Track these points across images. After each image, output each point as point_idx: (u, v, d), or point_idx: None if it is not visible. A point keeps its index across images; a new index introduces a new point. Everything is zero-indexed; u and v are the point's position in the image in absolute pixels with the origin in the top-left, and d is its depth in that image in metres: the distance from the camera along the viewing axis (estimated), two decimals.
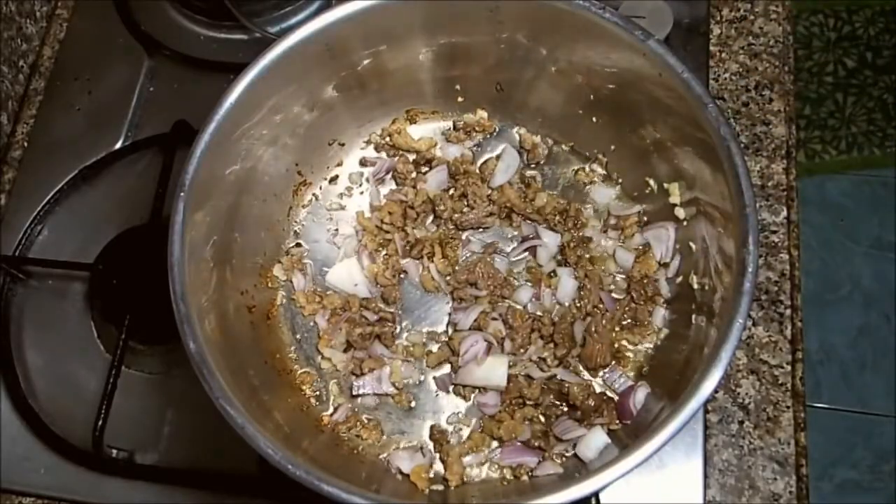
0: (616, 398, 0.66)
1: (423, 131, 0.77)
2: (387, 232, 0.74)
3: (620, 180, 0.74)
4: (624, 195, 0.74)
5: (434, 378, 0.70)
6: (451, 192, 0.75)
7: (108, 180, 0.82)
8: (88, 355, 0.76)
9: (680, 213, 0.68)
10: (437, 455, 0.67)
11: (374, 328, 0.70)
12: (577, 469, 0.63)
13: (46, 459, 0.71)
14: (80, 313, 0.77)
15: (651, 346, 0.68)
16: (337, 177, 0.77)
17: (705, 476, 0.67)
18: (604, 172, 0.74)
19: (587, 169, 0.75)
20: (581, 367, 0.68)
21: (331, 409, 0.69)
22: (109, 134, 0.84)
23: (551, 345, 0.69)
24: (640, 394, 0.64)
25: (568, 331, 0.68)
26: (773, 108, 0.79)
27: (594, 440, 0.63)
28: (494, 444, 0.67)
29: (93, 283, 0.77)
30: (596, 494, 0.64)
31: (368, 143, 0.77)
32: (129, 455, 0.72)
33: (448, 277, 0.72)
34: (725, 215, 0.59)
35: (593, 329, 0.68)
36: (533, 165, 0.76)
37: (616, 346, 0.69)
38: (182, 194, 0.59)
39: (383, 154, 0.77)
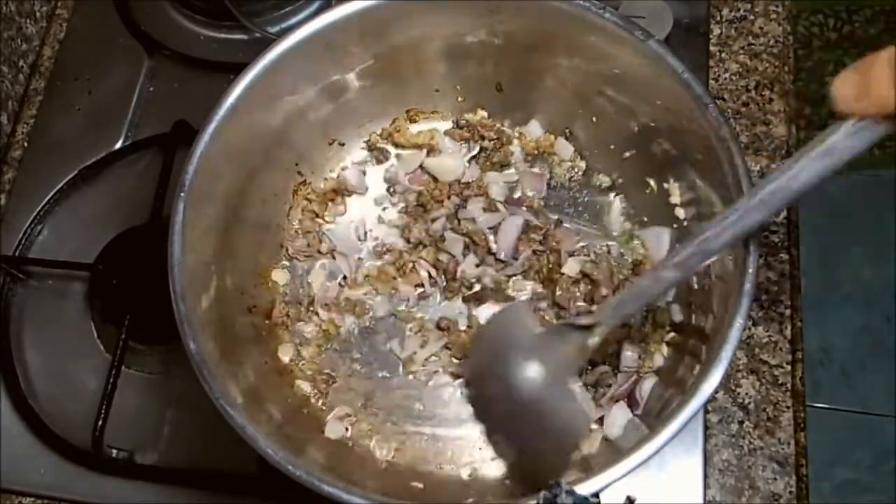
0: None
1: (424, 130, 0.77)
2: None
3: (619, 180, 0.74)
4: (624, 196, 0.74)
5: None
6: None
7: (108, 180, 0.82)
8: (88, 355, 0.75)
9: (680, 213, 0.68)
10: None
11: None
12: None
13: (46, 459, 0.71)
14: (80, 313, 0.77)
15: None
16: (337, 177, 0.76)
17: (705, 476, 0.67)
18: (606, 175, 0.74)
19: (587, 168, 0.75)
20: None
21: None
22: (109, 134, 0.84)
23: None
24: (647, 384, 0.64)
25: None
26: (773, 108, 0.79)
27: (618, 418, 0.63)
28: None
29: (93, 283, 0.77)
30: (596, 494, 0.64)
31: (368, 143, 0.77)
32: (129, 455, 0.72)
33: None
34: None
35: None
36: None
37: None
38: (182, 194, 0.59)
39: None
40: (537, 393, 0.56)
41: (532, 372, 0.56)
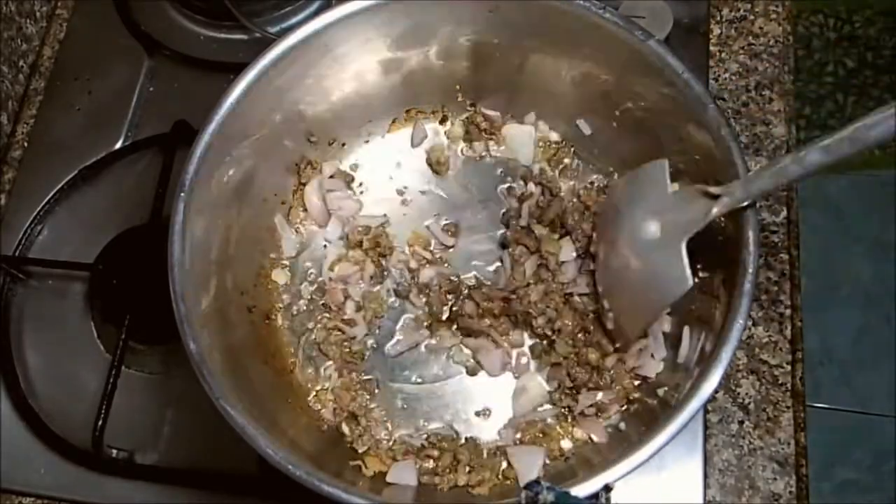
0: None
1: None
2: None
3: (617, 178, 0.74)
4: None
5: None
6: None
7: (108, 180, 0.82)
8: (88, 355, 0.75)
9: None
10: None
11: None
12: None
13: (46, 459, 0.71)
14: (80, 313, 0.77)
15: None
16: None
17: (705, 476, 0.67)
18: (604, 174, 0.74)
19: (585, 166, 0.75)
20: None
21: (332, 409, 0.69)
22: (109, 134, 0.84)
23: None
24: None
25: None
26: (773, 108, 0.79)
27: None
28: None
29: (93, 283, 0.77)
30: (596, 494, 0.64)
31: (368, 142, 0.77)
32: (129, 455, 0.72)
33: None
34: (726, 215, 0.59)
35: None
36: None
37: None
38: (182, 194, 0.59)
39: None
40: (651, 248, 0.59)
41: (652, 227, 0.59)
